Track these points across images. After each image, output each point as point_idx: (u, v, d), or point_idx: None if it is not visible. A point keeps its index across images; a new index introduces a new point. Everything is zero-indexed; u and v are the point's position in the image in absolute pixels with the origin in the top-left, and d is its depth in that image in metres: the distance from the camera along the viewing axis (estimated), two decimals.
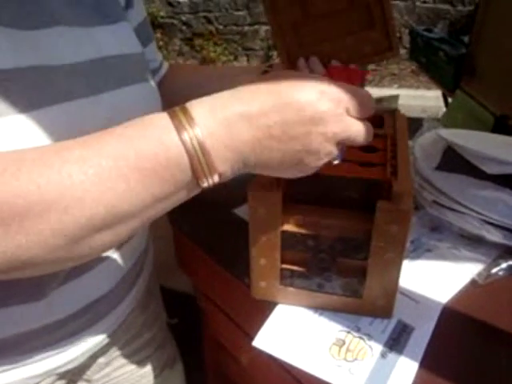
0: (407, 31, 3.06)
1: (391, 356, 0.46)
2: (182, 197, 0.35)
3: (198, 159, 0.33)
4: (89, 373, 0.59)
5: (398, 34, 0.70)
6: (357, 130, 0.37)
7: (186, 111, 0.33)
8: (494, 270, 0.57)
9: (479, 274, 0.56)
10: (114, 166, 0.31)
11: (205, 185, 0.34)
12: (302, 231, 0.47)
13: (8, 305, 0.44)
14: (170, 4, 4.03)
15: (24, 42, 0.40)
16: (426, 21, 3.62)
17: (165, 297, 0.75)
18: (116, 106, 0.46)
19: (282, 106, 0.34)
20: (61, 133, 0.39)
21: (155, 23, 3.96)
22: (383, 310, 0.50)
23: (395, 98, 0.78)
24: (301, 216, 0.47)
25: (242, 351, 0.66)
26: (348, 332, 0.49)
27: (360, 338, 0.48)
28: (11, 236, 0.30)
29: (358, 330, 0.49)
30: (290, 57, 0.63)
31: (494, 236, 0.59)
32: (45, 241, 0.31)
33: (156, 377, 0.70)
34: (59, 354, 0.51)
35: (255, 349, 0.48)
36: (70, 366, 0.53)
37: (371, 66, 3.50)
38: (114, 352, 0.62)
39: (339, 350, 0.47)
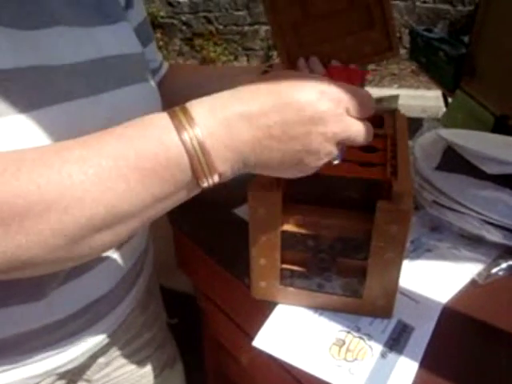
0: (407, 31, 3.06)
1: (391, 356, 0.46)
2: (181, 197, 0.35)
3: (198, 159, 0.33)
4: (89, 373, 0.59)
5: (398, 34, 0.70)
6: (357, 130, 0.37)
7: (185, 111, 0.33)
8: (494, 270, 0.57)
9: (479, 274, 0.56)
10: (114, 165, 0.31)
11: (205, 185, 0.34)
12: (302, 231, 0.47)
13: (8, 305, 0.44)
14: (170, 4, 4.03)
15: (24, 42, 0.40)
16: (426, 21, 3.62)
17: (165, 297, 0.75)
18: (116, 106, 0.46)
19: (282, 106, 0.34)
20: (61, 133, 0.39)
21: (155, 23, 3.96)
22: (383, 310, 0.50)
23: (395, 97, 0.78)
24: (301, 216, 0.47)
25: (242, 351, 0.66)
26: (348, 332, 0.49)
27: (360, 338, 0.48)
28: (11, 236, 0.30)
29: (358, 330, 0.49)
30: (290, 57, 0.63)
31: (494, 236, 0.59)
32: (45, 241, 0.31)
33: (156, 377, 0.70)
34: (59, 354, 0.51)
35: (255, 349, 0.48)
36: (69, 366, 0.53)
37: (371, 66, 3.50)
38: (114, 352, 0.62)
39: (339, 350, 0.47)
